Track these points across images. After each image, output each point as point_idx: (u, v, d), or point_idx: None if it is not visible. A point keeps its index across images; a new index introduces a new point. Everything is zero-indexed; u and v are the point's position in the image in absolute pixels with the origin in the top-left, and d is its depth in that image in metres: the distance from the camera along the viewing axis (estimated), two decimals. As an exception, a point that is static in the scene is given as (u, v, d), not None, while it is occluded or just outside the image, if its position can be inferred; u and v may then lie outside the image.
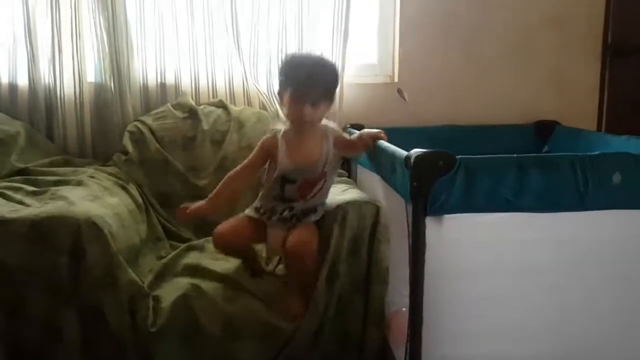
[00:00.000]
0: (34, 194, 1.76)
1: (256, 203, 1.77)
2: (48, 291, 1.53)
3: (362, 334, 1.66)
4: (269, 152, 1.71)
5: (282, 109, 1.77)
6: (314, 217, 1.70)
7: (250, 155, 1.75)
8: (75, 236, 1.52)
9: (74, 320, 1.54)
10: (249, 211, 1.77)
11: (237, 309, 1.61)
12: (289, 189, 1.68)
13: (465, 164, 1.33)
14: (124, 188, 1.96)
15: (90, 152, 2.26)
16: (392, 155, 1.50)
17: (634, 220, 1.42)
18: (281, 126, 1.73)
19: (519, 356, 1.45)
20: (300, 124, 1.67)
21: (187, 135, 2.19)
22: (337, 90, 1.79)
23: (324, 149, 1.68)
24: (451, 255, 1.40)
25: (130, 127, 2.19)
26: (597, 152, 1.37)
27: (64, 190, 1.73)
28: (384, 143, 1.64)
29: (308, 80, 1.63)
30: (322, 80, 1.66)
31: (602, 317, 1.47)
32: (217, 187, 1.73)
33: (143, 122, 2.20)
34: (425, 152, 1.34)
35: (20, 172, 1.94)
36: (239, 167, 1.75)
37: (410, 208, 1.38)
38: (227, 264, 1.77)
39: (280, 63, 1.83)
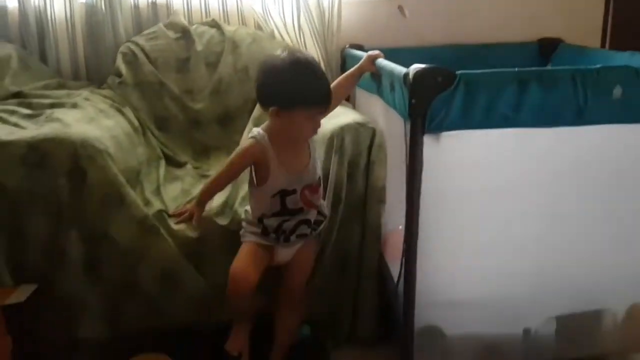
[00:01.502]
0: (29, 117, 1.73)
1: (255, 227, 1.54)
2: (49, 213, 1.53)
3: (360, 252, 1.69)
4: (255, 160, 1.51)
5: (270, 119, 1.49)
6: (324, 223, 1.62)
7: (233, 158, 1.53)
8: (73, 158, 1.52)
9: (77, 241, 1.56)
10: (251, 237, 1.55)
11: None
12: (291, 200, 1.50)
13: (464, 79, 1.30)
14: (119, 111, 1.94)
15: (84, 75, 2.22)
16: (391, 73, 1.47)
17: (635, 134, 1.40)
18: (257, 130, 1.51)
19: (513, 269, 1.47)
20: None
21: (181, 57, 2.14)
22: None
23: (312, 151, 1.54)
24: (448, 173, 1.39)
25: (122, 48, 2.14)
26: (598, 66, 1.34)
27: (59, 113, 1.71)
28: (383, 61, 1.59)
29: (327, 96, 1.45)
30: (329, 84, 1.48)
31: (601, 231, 1.47)
32: (203, 190, 1.62)
33: (135, 43, 2.15)
34: (424, 67, 1.30)
35: (15, 95, 1.92)
36: (222, 170, 1.56)
37: (408, 126, 1.37)
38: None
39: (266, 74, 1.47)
